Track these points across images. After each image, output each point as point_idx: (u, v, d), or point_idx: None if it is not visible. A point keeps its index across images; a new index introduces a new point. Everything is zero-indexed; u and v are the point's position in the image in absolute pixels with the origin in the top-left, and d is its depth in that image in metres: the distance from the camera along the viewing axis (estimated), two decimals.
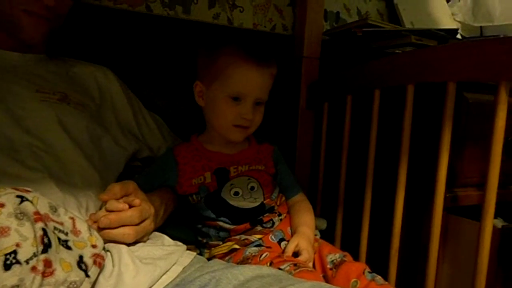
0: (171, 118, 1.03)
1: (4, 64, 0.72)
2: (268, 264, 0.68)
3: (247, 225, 0.77)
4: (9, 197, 0.40)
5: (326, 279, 0.72)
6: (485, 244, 0.64)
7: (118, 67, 0.93)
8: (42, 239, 0.38)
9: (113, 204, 0.59)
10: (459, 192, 0.88)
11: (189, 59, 0.85)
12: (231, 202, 0.76)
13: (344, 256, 0.75)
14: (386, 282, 0.71)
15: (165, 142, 0.94)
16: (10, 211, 0.39)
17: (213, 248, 0.79)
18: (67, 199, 0.61)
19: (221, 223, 0.77)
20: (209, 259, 0.70)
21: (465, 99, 0.86)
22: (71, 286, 0.40)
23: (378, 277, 0.70)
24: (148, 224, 0.64)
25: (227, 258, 0.75)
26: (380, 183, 0.88)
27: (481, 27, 1.41)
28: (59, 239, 0.42)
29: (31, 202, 0.41)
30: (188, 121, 1.00)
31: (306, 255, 0.72)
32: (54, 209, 0.44)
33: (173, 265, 0.59)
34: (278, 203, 0.83)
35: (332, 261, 0.74)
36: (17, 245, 0.37)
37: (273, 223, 0.80)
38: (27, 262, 0.37)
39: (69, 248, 0.42)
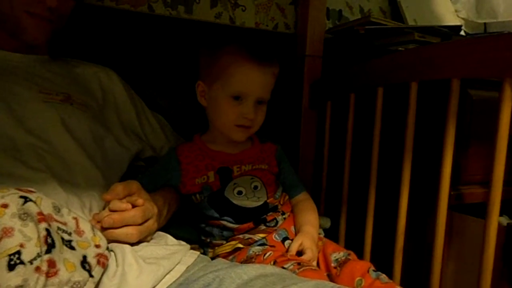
0: (174, 118, 1.03)
1: (7, 65, 0.72)
2: (272, 263, 0.68)
3: (250, 224, 0.77)
4: (12, 197, 0.40)
5: (331, 278, 0.72)
6: (491, 241, 0.63)
7: (121, 68, 0.94)
8: (46, 239, 0.38)
9: (116, 204, 0.59)
10: (464, 189, 0.87)
11: (191, 58, 0.85)
12: (235, 201, 0.76)
13: (349, 254, 0.75)
14: (391, 281, 0.71)
15: (168, 142, 0.94)
16: (14, 211, 0.39)
17: (216, 248, 0.79)
18: (71, 199, 0.61)
19: (224, 222, 0.77)
20: (212, 258, 0.70)
21: (469, 96, 0.85)
22: (75, 286, 0.40)
23: (383, 276, 0.70)
24: (152, 223, 0.64)
25: (230, 257, 0.75)
26: (384, 181, 0.88)
27: (485, 23, 1.40)
28: (62, 239, 0.42)
29: (35, 202, 0.41)
30: (191, 121, 1.00)
31: (310, 254, 0.72)
32: (57, 209, 0.44)
33: (177, 264, 0.59)
34: (281, 202, 0.83)
35: (337, 259, 0.74)
36: (21, 245, 0.37)
37: (277, 222, 0.80)
38: (31, 262, 0.37)
39: (72, 248, 0.42)
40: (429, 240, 0.75)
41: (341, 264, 0.73)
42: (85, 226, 0.47)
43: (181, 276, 0.58)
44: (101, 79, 0.87)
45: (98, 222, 0.58)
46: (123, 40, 1.03)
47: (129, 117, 0.89)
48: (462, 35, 1.25)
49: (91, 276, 0.43)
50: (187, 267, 0.60)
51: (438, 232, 0.72)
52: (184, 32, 1.10)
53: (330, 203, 1.07)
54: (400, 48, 1.05)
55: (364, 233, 0.89)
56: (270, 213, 0.79)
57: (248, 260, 0.71)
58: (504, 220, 0.84)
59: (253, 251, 0.73)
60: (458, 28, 1.12)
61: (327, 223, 0.98)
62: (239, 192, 0.77)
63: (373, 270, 0.71)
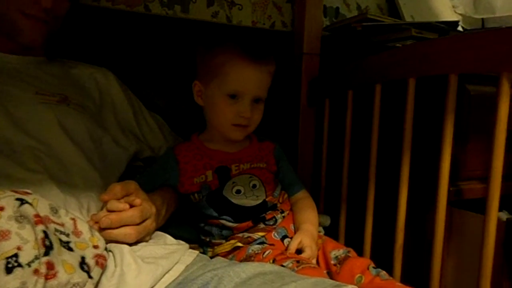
0: (171, 117, 1.02)
1: (3, 67, 0.72)
2: (271, 261, 0.68)
3: (249, 223, 0.77)
4: (8, 200, 0.40)
5: (330, 276, 0.72)
6: (490, 237, 0.63)
7: (117, 68, 0.93)
8: (44, 241, 0.38)
9: (113, 204, 0.59)
10: (463, 185, 0.87)
11: (188, 58, 0.85)
12: (233, 200, 0.76)
13: (348, 252, 0.75)
14: (391, 277, 0.71)
15: (166, 142, 0.94)
16: (10, 214, 0.39)
17: (216, 247, 0.79)
18: (68, 200, 0.61)
19: (223, 222, 0.77)
20: (212, 257, 0.70)
21: (467, 91, 0.85)
22: (74, 287, 0.40)
23: (383, 273, 0.70)
24: (150, 223, 0.64)
25: (230, 256, 0.75)
26: (383, 178, 0.88)
27: (482, 19, 1.40)
28: (60, 240, 0.42)
29: (31, 204, 0.41)
30: (188, 120, 1.00)
31: (309, 252, 0.72)
32: (54, 211, 0.44)
33: (176, 264, 0.59)
34: (280, 201, 0.83)
35: (336, 257, 0.74)
36: (18, 248, 0.37)
37: (276, 221, 0.80)
38: (29, 265, 0.36)
39: (70, 249, 0.42)
40: (429, 236, 0.75)
41: (341, 261, 0.73)
42: (83, 227, 0.46)
43: (180, 275, 0.58)
44: (98, 80, 0.87)
45: (96, 222, 0.58)
46: (120, 40, 1.03)
47: (127, 117, 0.89)
48: (459, 31, 1.25)
49: (90, 277, 0.43)
50: (186, 266, 0.60)
51: (438, 228, 0.72)
52: (181, 31, 1.10)
53: (330, 201, 1.07)
54: (398, 45, 1.05)
55: (363, 230, 0.89)
56: (269, 211, 0.79)
57: (247, 259, 0.71)
58: (504, 215, 0.84)
59: (252, 250, 0.73)
60: (456, 23, 1.12)
61: (327, 221, 0.98)
62: (238, 191, 0.76)
63: (373, 267, 0.71)
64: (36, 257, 0.38)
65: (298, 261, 0.67)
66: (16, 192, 0.42)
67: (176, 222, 0.79)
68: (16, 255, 0.38)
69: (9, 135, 0.63)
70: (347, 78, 0.96)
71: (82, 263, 0.43)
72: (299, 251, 0.73)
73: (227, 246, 0.77)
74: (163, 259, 0.58)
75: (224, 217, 0.77)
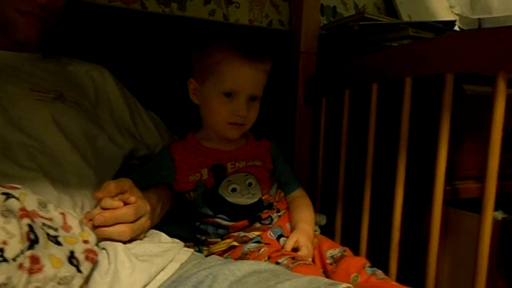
0: (167, 115, 1.02)
1: None
2: (266, 258, 0.68)
3: (245, 222, 0.77)
4: None
5: (326, 275, 0.72)
6: (486, 236, 0.63)
7: (113, 65, 0.93)
8: (28, 235, 0.38)
9: (107, 202, 0.59)
10: (459, 185, 0.87)
11: (185, 56, 0.84)
12: (229, 199, 0.76)
13: (344, 251, 0.75)
14: (387, 277, 0.71)
15: (162, 140, 0.93)
16: None
17: (211, 246, 0.78)
18: (62, 198, 0.61)
19: (219, 220, 0.77)
20: (207, 256, 0.70)
21: (463, 91, 0.85)
22: (61, 281, 0.39)
23: (379, 272, 0.70)
24: (144, 221, 0.63)
25: (225, 255, 0.75)
26: (379, 177, 0.87)
27: (479, 19, 1.40)
28: (48, 235, 0.41)
29: (17, 199, 0.40)
30: (184, 118, 1.00)
31: (305, 251, 0.72)
32: (43, 205, 0.43)
33: (170, 262, 0.59)
34: (276, 199, 0.83)
35: (332, 256, 0.74)
36: (4, 242, 0.36)
37: (272, 220, 0.79)
38: (14, 259, 0.36)
39: (59, 243, 0.42)
40: (425, 235, 0.75)
41: (336, 260, 0.73)
42: (73, 221, 0.46)
43: (174, 273, 0.58)
44: (93, 77, 0.86)
45: (90, 220, 0.58)
46: (116, 37, 1.02)
47: (123, 115, 0.89)
48: (456, 31, 1.25)
49: (79, 271, 0.42)
50: (181, 265, 0.60)
51: (434, 228, 0.72)
52: (178, 29, 1.09)
53: (326, 200, 1.06)
54: (395, 44, 1.05)
55: (360, 229, 0.89)
56: (265, 210, 0.79)
57: (243, 257, 0.71)
58: (499, 215, 0.84)
59: (247, 248, 0.73)
60: (452, 23, 1.12)
61: (323, 220, 0.98)
62: (233, 189, 0.76)
63: (369, 266, 0.71)
64: (22, 252, 0.37)
65: (293, 258, 0.67)
66: (2, 186, 0.42)
67: (172, 221, 0.79)
68: (1, 250, 0.37)
69: (3, 132, 0.62)
70: (344, 77, 0.96)
71: (71, 258, 0.43)
72: (295, 250, 0.73)
73: (222, 245, 0.76)
74: (158, 257, 0.58)
75: (220, 215, 0.76)
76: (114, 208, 0.58)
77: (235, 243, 0.75)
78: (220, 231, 0.78)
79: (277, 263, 0.65)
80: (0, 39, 0.73)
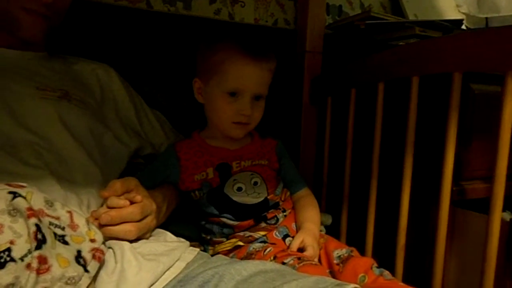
0: (172, 114, 1.02)
1: (4, 62, 0.72)
2: (272, 258, 0.68)
3: (250, 222, 0.77)
4: (1, 193, 0.40)
5: (333, 275, 0.72)
6: (494, 237, 0.63)
7: (119, 64, 0.93)
8: (36, 235, 0.38)
9: (114, 201, 0.59)
10: (466, 185, 0.87)
11: (190, 55, 0.84)
12: (234, 198, 0.75)
13: (351, 251, 0.75)
14: (394, 278, 0.71)
15: (167, 139, 0.93)
16: (3, 207, 0.39)
17: (217, 245, 0.78)
18: (69, 197, 0.61)
19: (224, 220, 0.76)
20: (213, 255, 0.70)
21: (471, 90, 0.84)
22: (69, 282, 0.39)
23: (386, 272, 0.69)
24: (150, 220, 0.63)
25: (231, 254, 0.75)
26: (385, 177, 0.87)
27: (486, 18, 1.39)
28: (55, 234, 0.41)
29: (24, 197, 0.40)
30: (190, 117, 0.99)
31: (311, 251, 0.72)
32: (50, 204, 0.43)
33: (176, 261, 0.59)
34: (282, 199, 0.82)
35: (339, 256, 0.73)
36: (11, 242, 0.36)
37: (277, 220, 0.79)
38: (22, 259, 0.36)
39: (66, 243, 0.42)
40: (431, 236, 0.75)
41: (343, 260, 0.72)
42: (80, 220, 0.46)
43: (180, 272, 0.57)
44: (99, 76, 0.86)
45: (96, 219, 0.58)
46: (122, 36, 1.02)
47: (128, 114, 0.89)
48: (463, 30, 1.24)
49: (86, 271, 0.42)
50: (187, 264, 0.59)
51: (440, 228, 0.72)
52: (183, 28, 1.09)
53: (331, 199, 1.06)
54: (401, 43, 1.04)
55: (365, 229, 0.88)
56: (271, 210, 0.79)
57: (248, 257, 0.71)
58: (507, 216, 0.83)
59: (253, 248, 0.72)
60: (460, 22, 1.11)
61: (329, 220, 0.97)
62: (239, 188, 0.76)
63: (376, 267, 0.70)
64: (29, 251, 0.37)
65: (299, 258, 0.66)
66: (10, 185, 0.42)
67: (177, 220, 0.79)
68: (9, 249, 0.37)
69: (9, 130, 0.62)
70: (350, 77, 0.96)
71: (78, 257, 0.42)
72: (301, 250, 0.73)
73: (228, 244, 0.76)
74: (164, 256, 0.57)
75: (225, 215, 0.76)
76: (120, 207, 0.58)
77: (240, 243, 0.75)
78: (226, 230, 0.78)
79: (283, 263, 0.65)
80: (6, 37, 0.73)
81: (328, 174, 1.08)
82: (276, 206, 0.80)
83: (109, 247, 0.55)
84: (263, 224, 0.78)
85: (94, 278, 0.48)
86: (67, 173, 0.64)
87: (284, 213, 0.81)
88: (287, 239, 0.77)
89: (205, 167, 0.77)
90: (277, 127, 1.04)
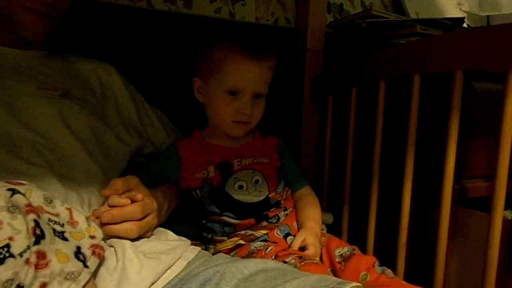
0: (173, 113, 1.02)
1: (5, 61, 0.72)
2: (273, 257, 0.68)
3: (252, 221, 0.77)
4: (0, 190, 0.40)
5: (335, 273, 0.72)
6: (495, 236, 0.62)
7: (120, 63, 0.93)
8: (34, 230, 0.38)
9: (115, 199, 0.59)
10: (468, 183, 0.86)
11: (191, 54, 0.84)
12: (235, 197, 0.75)
13: (353, 249, 0.75)
14: (396, 276, 0.71)
15: (168, 138, 0.93)
16: (2, 204, 0.39)
17: (218, 244, 0.78)
18: (70, 195, 0.61)
19: (225, 218, 0.76)
20: (214, 254, 0.70)
21: (473, 88, 0.84)
22: (68, 277, 0.39)
23: (388, 271, 0.70)
24: (151, 219, 0.63)
25: (232, 253, 0.75)
26: (386, 176, 0.87)
27: (488, 16, 1.39)
28: (54, 230, 0.41)
29: (23, 194, 0.40)
30: (191, 116, 0.99)
31: (312, 250, 0.72)
32: (49, 201, 0.43)
33: (178, 259, 0.59)
34: (284, 197, 0.82)
35: (341, 254, 0.73)
36: (10, 238, 0.36)
37: (279, 218, 0.79)
38: (20, 255, 0.36)
39: (65, 239, 0.42)
40: (433, 234, 0.75)
41: (345, 259, 0.72)
42: (79, 217, 0.46)
43: (182, 271, 0.57)
44: (100, 75, 0.86)
45: (97, 218, 0.58)
46: (122, 35, 1.02)
47: (129, 112, 0.89)
48: (465, 28, 1.23)
49: (86, 266, 0.42)
50: (188, 262, 0.59)
51: (442, 227, 0.72)
52: (184, 27, 1.09)
53: (333, 198, 1.06)
54: (402, 41, 1.04)
55: (367, 228, 0.88)
56: (272, 209, 0.79)
57: (250, 255, 0.71)
58: (509, 214, 0.83)
59: (254, 247, 0.72)
60: (461, 20, 1.11)
61: (330, 219, 0.97)
62: (240, 187, 0.76)
63: (378, 265, 0.70)
64: (28, 247, 0.37)
65: (300, 257, 0.66)
66: (9, 182, 0.42)
67: (178, 219, 0.79)
68: (8, 246, 0.37)
69: (10, 129, 0.62)
70: (351, 75, 0.95)
71: (78, 253, 0.42)
72: (302, 249, 0.73)
73: (229, 243, 0.76)
74: (165, 254, 0.57)
75: (226, 213, 0.76)
76: (121, 206, 0.58)
77: (241, 242, 0.75)
78: (227, 229, 0.78)
79: (285, 262, 0.65)
80: (7, 36, 0.73)
81: (329, 173, 1.08)
82: (277, 204, 0.80)
83: (111, 246, 0.55)
84: (264, 223, 0.78)
85: (95, 275, 0.48)
86: (68, 171, 0.64)
87: (286, 212, 0.81)
88: (289, 238, 0.77)
89: (206, 166, 0.77)
90: (278, 126, 1.04)
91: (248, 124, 0.78)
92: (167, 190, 0.75)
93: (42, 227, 0.39)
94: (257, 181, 0.77)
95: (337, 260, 0.73)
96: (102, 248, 0.45)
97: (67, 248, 0.41)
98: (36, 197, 0.42)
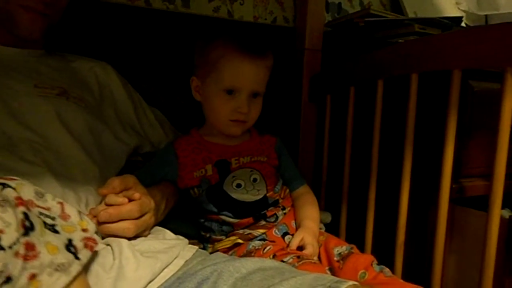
0: (171, 112, 1.02)
1: (2, 60, 0.72)
2: (271, 256, 0.68)
3: (250, 220, 0.77)
4: None
5: (333, 272, 0.72)
6: (493, 234, 0.63)
7: (117, 62, 0.93)
8: (23, 223, 0.38)
9: (112, 198, 0.59)
10: (465, 182, 0.87)
11: (189, 53, 0.84)
12: (233, 195, 0.75)
13: (351, 248, 0.75)
14: (394, 275, 0.71)
15: (166, 137, 0.93)
16: None
17: (216, 243, 0.78)
18: (67, 194, 0.61)
19: (223, 217, 0.76)
20: (211, 253, 0.70)
21: (470, 87, 0.84)
22: (58, 268, 0.39)
23: (386, 269, 0.70)
24: (149, 218, 0.63)
25: (230, 252, 0.75)
26: (384, 175, 0.87)
27: (486, 15, 1.39)
28: (45, 223, 0.41)
29: (14, 188, 0.40)
30: (188, 115, 0.99)
31: (310, 250, 0.72)
32: (40, 195, 0.43)
33: (175, 258, 0.59)
34: (282, 196, 0.82)
35: (339, 253, 0.74)
36: (0, 231, 0.36)
37: (277, 218, 0.79)
38: (10, 247, 0.36)
39: (56, 232, 0.42)
40: (431, 233, 0.75)
41: (344, 257, 0.72)
42: (71, 210, 0.46)
43: (179, 270, 0.57)
44: (97, 74, 0.86)
45: (95, 216, 0.58)
46: (120, 34, 1.02)
47: (127, 111, 0.88)
48: (463, 27, 1.24)
49: (77, 258, 0.42)
50: (185, 261, 0.59)
51: (440, 226, 0.72)
52: (182, 26, 1.09)
53: (331, 197, 1.06)
54: (401, 40, 1.04)
55: (365, 227, 0.88)
56: (270, 208, 0.79)
57: (248, 254, 0.71)
58: (506, 213, 0.83)
59: (252, 246, 0.72)
60: (459, 19, 1.11)
61: (328, 218, 0.97)
62: (238, 185, 0.76)
63: (377, 264, 0.70)
64: (18, 240, 0.37)
65: (298, 257, 0.66)
66: (0, 178, 0.42)
67: (176, 218, 0.79)
68: None
69: (7, 127, 0.62)
70: (349, 74, 0.95)
71: (69, 245, 0.42)
72: (300, 248, 0.73)
73: (227, 242, 0.76)
74: (162, 253, 0.57)
75: (224, 212, 0.76)
76: (119, 205, 0.58)
77: (239, 241, 0.75)
78: (225, 228, 0.78)
79: (283, 262, 0.64)
80: (4, 35, 0.73)
81: (327, 172, 1.08)
82: (275, 203, 0.80)
83: (107, 244, 0.55)
84: (262, 222, 0.78)
85: (90, 272, 0.48)
86: (65, 170, 0.64)
87: (284, 211, 0.81)
88: (287, 237, 0.77)
89: (203, 164, 0.77)
90: (276, 125, 1.04)
91: (245, 123, 0.78)
92: (164, 189, 0.75)
93: (32, 219, 0.39)
94: (255, 180, 0.77)
95: (335, 258, 0.73)
96: (94, 241, 0.45)
97: (58, 240, 0.41)
98: (27, 191, 0.42)
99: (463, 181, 0.87)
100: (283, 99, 1.16)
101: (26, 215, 0.38)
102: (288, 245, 0.74)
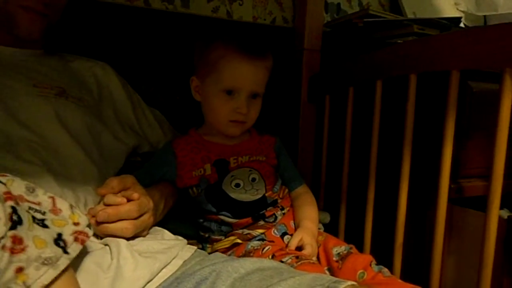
0: (171, 113, 1.02)
1: (1, 59, 0.72)
2: (270, 257, 0.68)
3: (249, 220, 0.77)
4: None
5: (332, 272, 0.72)
6: (491, 235, 0.63)
7: (117, 62, 0.93)
8: (11, 216, 0.38)
9: (111, 198, 0.59)
10: (464, 183, 0.87)
11: (188, 53, 0.84)
12: (232, 195, 0.75)
13: (350, 248, 0.75)
14: (393, 275, 0.71)
15: (165, 137, 0.93)
16: None
17: (215, 243, 0.78)
18: (65, 194, 0.61)
19: (222, 217, 0.76)
20: (210, 253, 0.70)
21: (469, 88, 0.84)
22: (46, 262, 0.39)
23: (385, 269, 0.70)
24: (147, 218, 0.63)
25: (229, 252, 0.75)
26: (383, 175, 0.87)
27: (484, 16, 1.39)
28: (34, 218, 0.41)
29: (4, 184, 0.40)
30: (188, 115, 0.99)
31: (309, 250, 0.72)
32: (31, 190, 0.43)
33: (173, 258, 0.59)
34: (281, 196, 0.82)
35: (338, 253, 0.74)
36: None
37: (276, 218, 0.79)
38: None
39: (45, 226, 0.42)
40: (429, 234, 0.75)
41: (343, 257, 0.72)
42: (63, 204, 0.45)
43: (177, 270, 0.57)
44: (96, 74, 0.86)
45: (93, 216, 0.58)
46: (120, 34, 1.02)
47: (126, 111, 0.88)
48: (461, 27, 1.24)
49: (66, 252, 0.42)
50: (184, 261, 0.59)
51: (438, 226, 0.72)
52: (181, 26, 1.09)
53: (330, 197, 1.06)
54: (399, 41, 1.04)
55: (363, 227, 0.88)
56: (269, 208, 0.79)
57: (246, 255, 0.71)
58: (505, 213, 0.83)
59: (251, 246, 0.72)
60: (458, 20, 1.11)
61: (327, 218, 0.97)
62: (237, 185, 0.76)
63: (375, 264, 0.71)
64: (6, 233, 0.37)
65: (297, 257, 0.66)
66: None
67: (175, 218, 0.79)
68: None
69: (6, 127, 0.62)
70: (348, 74, 0.96)
71: (58, 239, 0.42)
72: (299, 248, 0.73)
73: (226, 242, 0.76)
74: (161, 253, 0.57)
75: (223, 212, 0.76)
76: (117, 205, 0.58)
77: (238, 241, 0.75)
78: (224, 228, 0.78)
79: (281, 262, 0.65)
80: (3, 35, 0.73)
81: (326, 172, 1.08)
82: (274, 203, 0.80)
83: (106, 244, 0.55)
84: (261, 222, 0.78)
85: (87, 271, 0.48)
86: (64, 170, 0.64)
87: (283, 211, 0.81)
88: (286, 237, 0.77)
89: (202, 163, 0.77)
90: (275, 125, 1.04)
91: (245, 124, 0.78)
92: (163, 189, 0.75)
93: (20, 213, 0.39)
94: (253, 179, 0.77)
95: (334, 259, 0.73)
96: (86, 234, 0.45)
97: (46, 235, 0.41)
98: (17, 186, 0.42)
99: (462, 181, 0.87)
100: (282, 99, 1.16)
101: (14, 209, 0.38)
102: (287, 245, 0.74)
